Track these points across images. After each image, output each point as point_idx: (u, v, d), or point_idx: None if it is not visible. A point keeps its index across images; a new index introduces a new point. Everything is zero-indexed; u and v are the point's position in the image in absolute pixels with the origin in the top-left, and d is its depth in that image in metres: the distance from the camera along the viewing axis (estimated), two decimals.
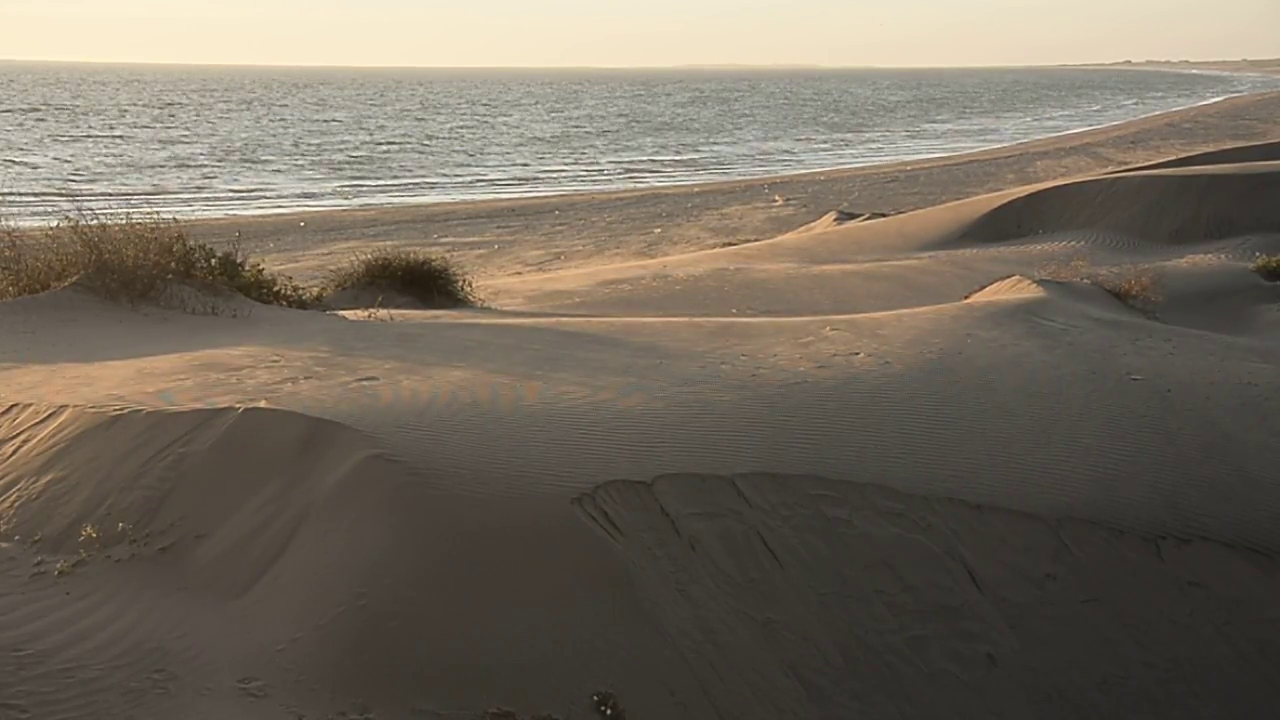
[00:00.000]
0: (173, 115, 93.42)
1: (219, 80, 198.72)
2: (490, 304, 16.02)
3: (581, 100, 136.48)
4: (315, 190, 47.49)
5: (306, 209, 41.08)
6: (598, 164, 59.68)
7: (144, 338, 9.89)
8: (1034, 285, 14.27)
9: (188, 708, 5.06)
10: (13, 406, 7.61)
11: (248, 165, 55.73)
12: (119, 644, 5.45)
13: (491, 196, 46.09)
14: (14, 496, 6.72)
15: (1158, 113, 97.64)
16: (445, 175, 54.38)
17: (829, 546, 7.07)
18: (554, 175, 55.11)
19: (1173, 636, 7.76)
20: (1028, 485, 8.27)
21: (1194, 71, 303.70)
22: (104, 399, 7.51)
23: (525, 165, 59.28)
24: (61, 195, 38.36)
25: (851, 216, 29.58)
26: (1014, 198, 25.96)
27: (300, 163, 57.66)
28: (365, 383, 7.91)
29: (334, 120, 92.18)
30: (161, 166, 53.88)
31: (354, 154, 62.68)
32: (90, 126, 77.37)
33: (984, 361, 10.36)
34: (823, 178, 50.45)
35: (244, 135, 73.00)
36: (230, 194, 45.61)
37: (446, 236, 33.16)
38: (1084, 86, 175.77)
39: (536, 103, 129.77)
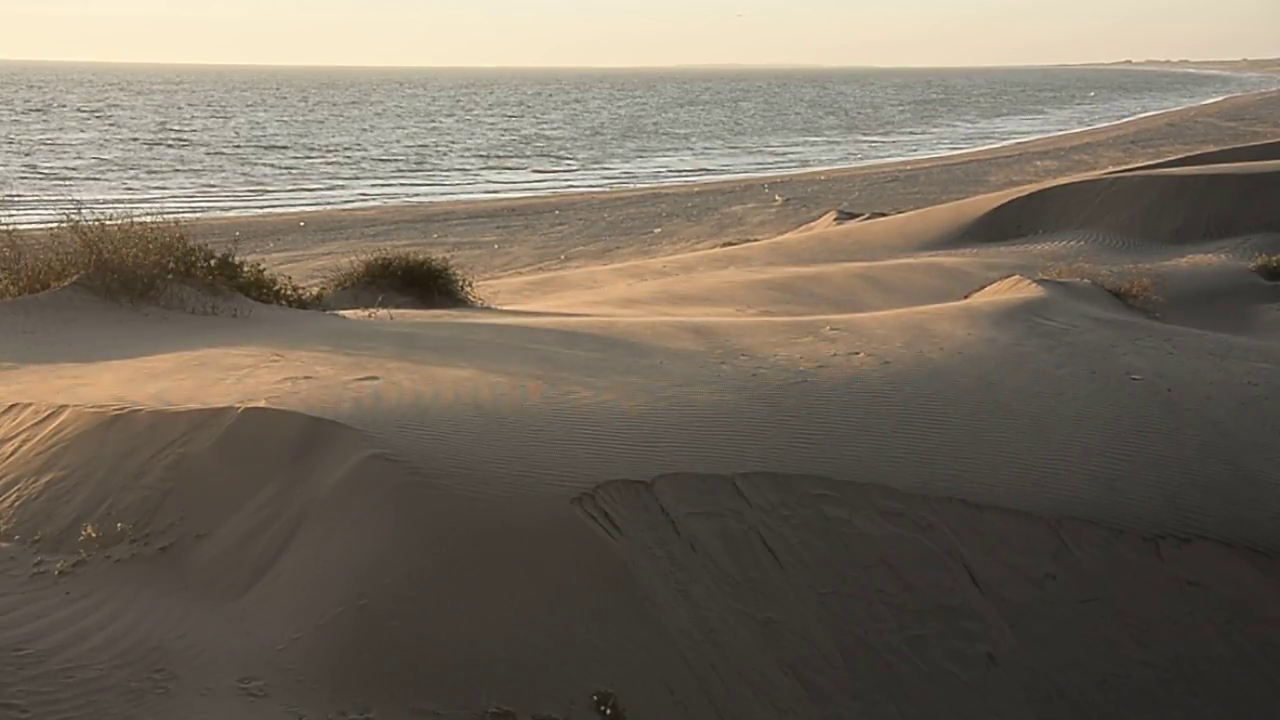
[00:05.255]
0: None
1: (243, 80, 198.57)
2: (490, 304, 16.01)
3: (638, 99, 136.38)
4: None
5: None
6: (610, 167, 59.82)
7: (144, 337, 9.88)
8: (1034, 285, 14.26)
9: (188, 708, 5.06)
10: (13, 406, 7.60)
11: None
12: (119, 644, 5.45)
13: (492, 196, 46.10)
14: (14, 496, 6.71)
15: (1158, 113, 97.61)
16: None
17: (829, 546, 7.07)
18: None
19: (1173, 636, 7.76)
20: (1028, 485, 8.27)
21: (1194, 71, 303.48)
22: (104, 399, 7.51)
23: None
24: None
25: (851, 216, 29.58)
26: (1014, 198, 25.94)
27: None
28: (365, 383, 7.91)
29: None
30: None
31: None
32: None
33: (984, 361, 10.36)
34: (823, 178, 50.45)
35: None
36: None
37: (448, 236, 33.17)
38: (1086, 87, 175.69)
39: (609, 95, 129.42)
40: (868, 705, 6.46)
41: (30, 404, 7.57)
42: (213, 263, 11.60)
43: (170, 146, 64.53)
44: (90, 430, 7.04)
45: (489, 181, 52.28)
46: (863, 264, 21.09)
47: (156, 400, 7.41)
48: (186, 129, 78.30)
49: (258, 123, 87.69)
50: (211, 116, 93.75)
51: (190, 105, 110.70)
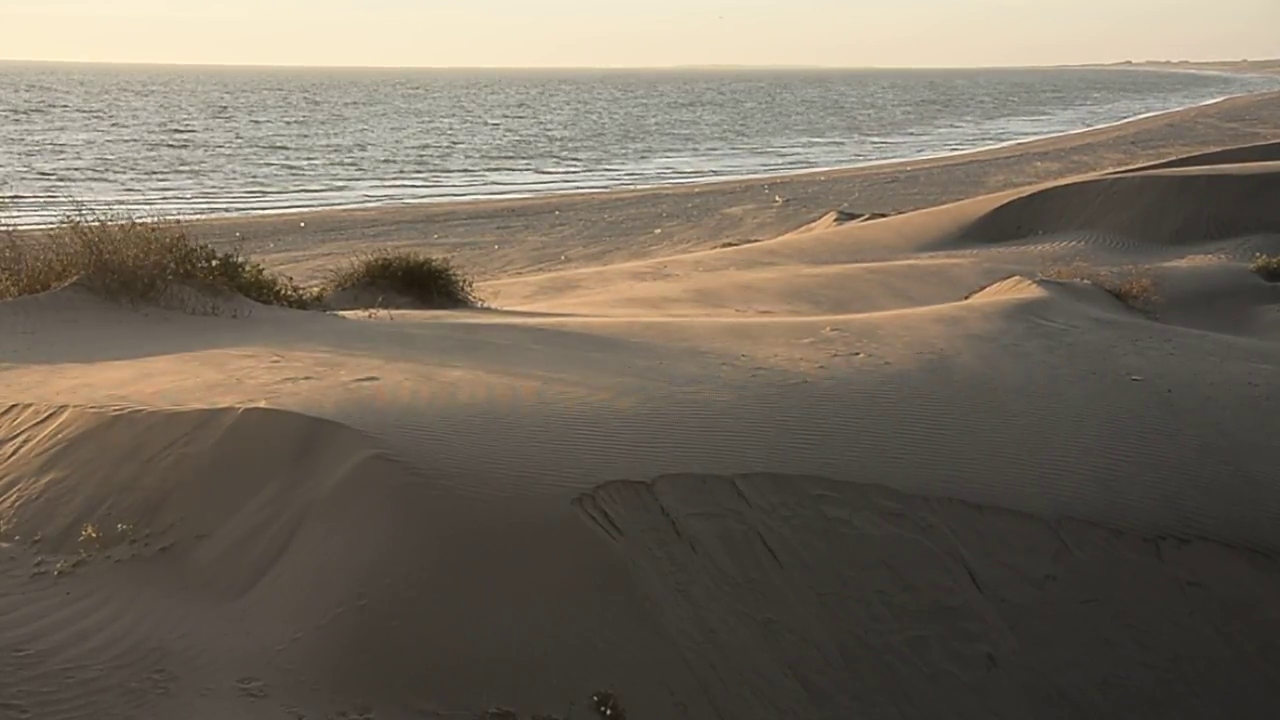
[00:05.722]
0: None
1: (273, 81, 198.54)
2: (490, 304, 16.01)
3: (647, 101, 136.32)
4: None
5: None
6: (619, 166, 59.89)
7: (144, 338, 9.88)
8: (1034, 285, 14.27)
9: (188, 708, 5.06)
10: (13, 406, 7.61)
11: None
12: (119, 644, 5.45)
13: (492, 197, 46.09)
14: (14, 496, 6.72)
15: (1158, 113, 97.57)
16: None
17: (829, 546, 7.08)
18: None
19: (1173, 636, 7.77)
20: (1028, 485, 8.27)
21: (1194, 72, 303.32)
22: (104, 399, 7.51)
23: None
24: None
25: (851, 217, 29.55)
26: (1014, 198, 25.95)
27: None
28: (365, 383, 7.91)
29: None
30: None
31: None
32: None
33: (984, 362, 10.36)
34: (823, 178, 50.44)
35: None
36: None
37: (448, 237, 33.17)
38: (1087, 88, 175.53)
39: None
40: (868, 706, 6.46)
41: (30, 404, 7.58)
42: (214, 263, 11.60)
43: (171, 147, 64.49)
44: (90, 430, 7.04)
45: (490, 182, 52.24)
46: (863, 264, 21.07)
47: (157, 400, 7.41)
48: (187, 129, 78.28)
49: (258, 123, 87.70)
50: (212, 117, 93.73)
51: (190, 105, 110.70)
